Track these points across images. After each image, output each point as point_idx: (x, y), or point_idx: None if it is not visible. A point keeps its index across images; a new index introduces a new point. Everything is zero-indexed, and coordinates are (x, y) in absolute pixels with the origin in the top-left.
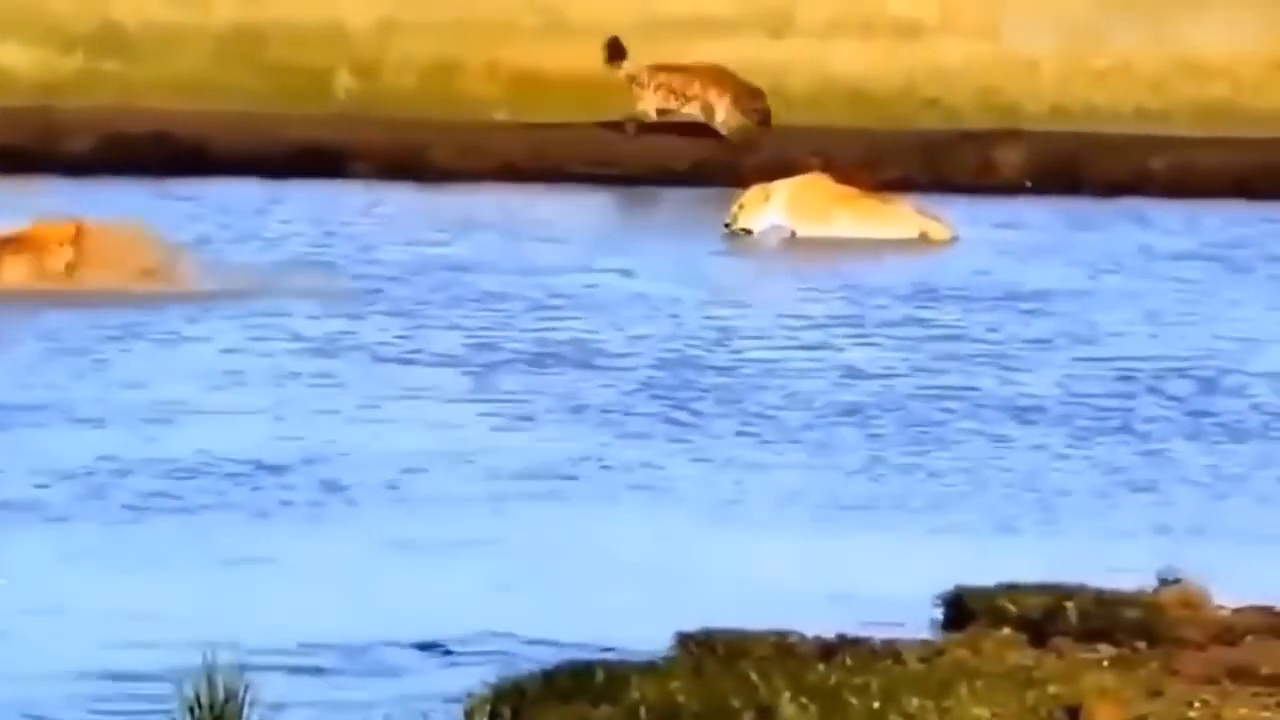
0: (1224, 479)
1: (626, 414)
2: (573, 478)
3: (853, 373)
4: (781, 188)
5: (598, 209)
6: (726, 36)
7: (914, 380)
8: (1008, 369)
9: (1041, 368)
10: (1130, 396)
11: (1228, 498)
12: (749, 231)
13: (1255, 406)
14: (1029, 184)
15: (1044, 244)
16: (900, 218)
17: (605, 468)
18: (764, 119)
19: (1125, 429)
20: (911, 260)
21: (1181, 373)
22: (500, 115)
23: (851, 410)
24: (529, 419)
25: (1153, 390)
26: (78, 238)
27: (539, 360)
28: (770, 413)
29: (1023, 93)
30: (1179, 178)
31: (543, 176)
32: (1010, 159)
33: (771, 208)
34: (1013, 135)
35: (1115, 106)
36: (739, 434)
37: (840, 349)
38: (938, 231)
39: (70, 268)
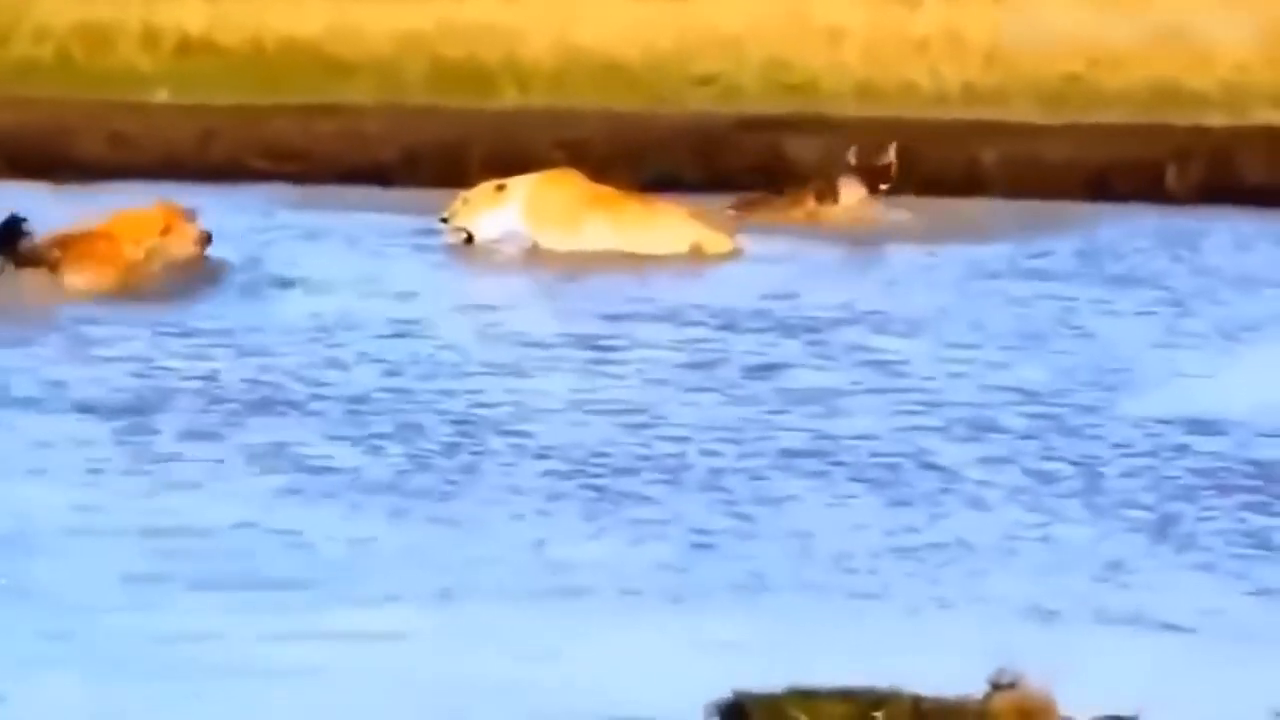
0: (1059, 547)
1: (314, 471)
2: (246, 557)
3: (592, 413)
4: (519, 185)
5: (281, 211)
6: None
7: (669, 423)
8: (785, 409)
9: (827, 408)
10: (934, 440)
11: (1064, 571)
12: (470, 238)
13: (1097, 460)
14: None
15: (845, 258)
16: (668, 226)
17: (294, 543)
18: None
19: (928, 482)
20: (681, 278)
21: (1002, 414)
22: (161, 96)
23: (591, 461)
24: (192, 484)
25: (964, 436)
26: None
27: (204, 404)
28: (488, 464)
29: (822, 68)
30: (1018, 173)
31: (213, 172)
32: (806, 151)
33: (506, 210)
34: (810, 121)
35: (939, 85)
36: (448, 493)
37: (579, 385)
38: (715, 243)
39: None
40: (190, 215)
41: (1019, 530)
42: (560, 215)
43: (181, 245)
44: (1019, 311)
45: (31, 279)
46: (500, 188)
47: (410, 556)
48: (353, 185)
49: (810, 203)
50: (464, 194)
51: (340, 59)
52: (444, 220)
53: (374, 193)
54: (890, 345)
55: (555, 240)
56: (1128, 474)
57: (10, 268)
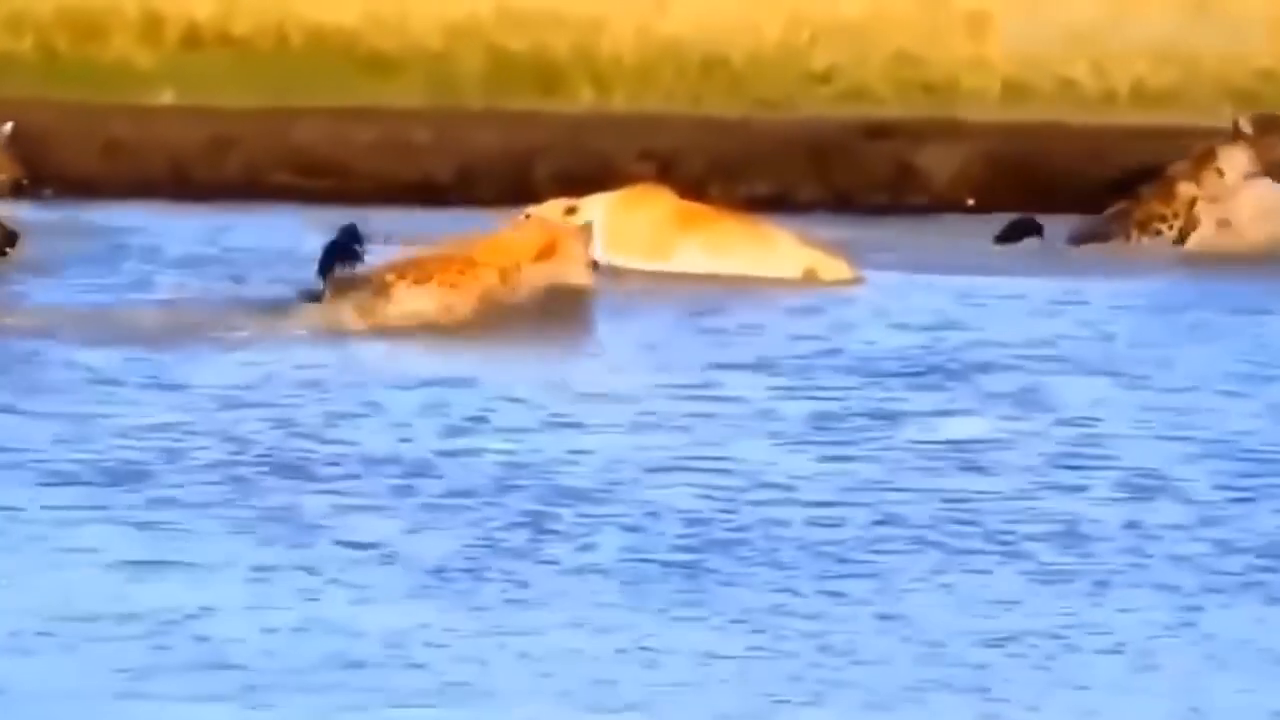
0: (1229, 642)
1: (346, 547)
2: (253, 652)
3: (683, 476)
4: (595, 207)
5: (310, 235)
6: None
7: (776, 486)
8: (914, 468)
9: (966, 465)
10: (1094, 505)
11: (1235, 673)
12: None
13: None
14: (972, 201)
15: (992, 289)
16: (776, 249)
17: (319, 635)
18: None
19: (1081, 556)
20: (791, 310)
21: (1185, 475)
22: (166, 97)
23: (684, 536)
24: (190, 561)
25: (1132, 500)
26: None
27: (215, 468)
28: (558, 540)
29: (963, 63)
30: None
31: (227, 188)
32: (943, 163)
33: None
34: (947, 128)
35: (1105, 84)
36: (509, 575)
37: (668, 443)
38: (831, 269)
39: None
40: (585, 234)
41: (1184, 621)
42: (647, 241)
43: (566, 270)
44: (1212, 352)
45: (340, 309)
46: (571, 210)
47: (463, 653)
48: (397, 204)
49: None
50: (528, 210)
51: (380, 53)
52: None
53: (423, 213)
54: (1049, 390)
55: (641, 265)
56: None
57: (329, 293)
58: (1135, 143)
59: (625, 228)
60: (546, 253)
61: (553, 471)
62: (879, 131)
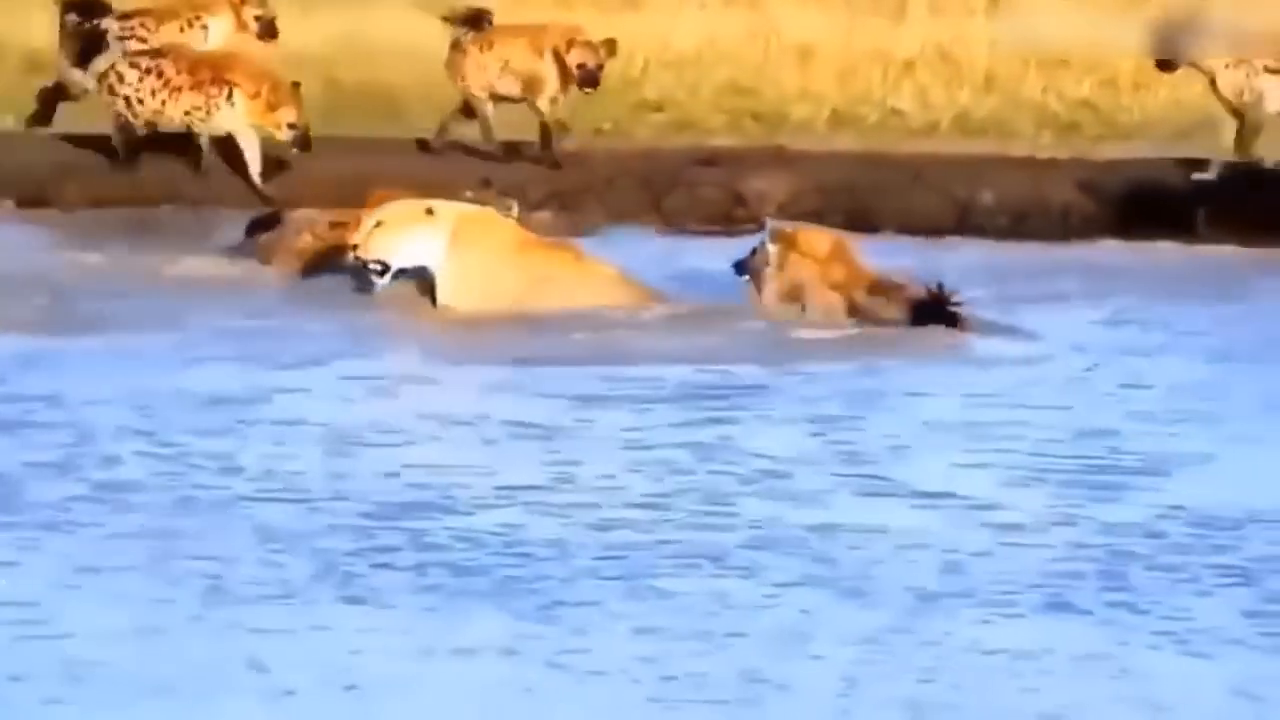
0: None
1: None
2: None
3: (500, 498)
4: (450, 211)
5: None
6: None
7: (575, 520)
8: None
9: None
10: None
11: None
12: (385, 269)
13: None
14: None
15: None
16: (593, 283)
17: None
18: None
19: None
20: (600, 346)
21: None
22: (8, 122)
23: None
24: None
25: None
26: None
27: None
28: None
29: (790, 93)
30: (1026, 217)
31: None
32: (772, 190)
33: (434, 239)
34: (776, 156)
35: (929, 115)
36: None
37: (485, 464)
38: (645, 302)
39: None
40: None
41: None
42: (484, 259)
43: None
44: (1034, 396)
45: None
46: (430, 211)
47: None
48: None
49: None
50: (375, 214)
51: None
52: (354, 249)
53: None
54: (865, 440)
55: (467, 287)
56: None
57: None
58: (957, 170)
59: (470, 243)
60: None
61: (373, 488)
62: (710, 159)
